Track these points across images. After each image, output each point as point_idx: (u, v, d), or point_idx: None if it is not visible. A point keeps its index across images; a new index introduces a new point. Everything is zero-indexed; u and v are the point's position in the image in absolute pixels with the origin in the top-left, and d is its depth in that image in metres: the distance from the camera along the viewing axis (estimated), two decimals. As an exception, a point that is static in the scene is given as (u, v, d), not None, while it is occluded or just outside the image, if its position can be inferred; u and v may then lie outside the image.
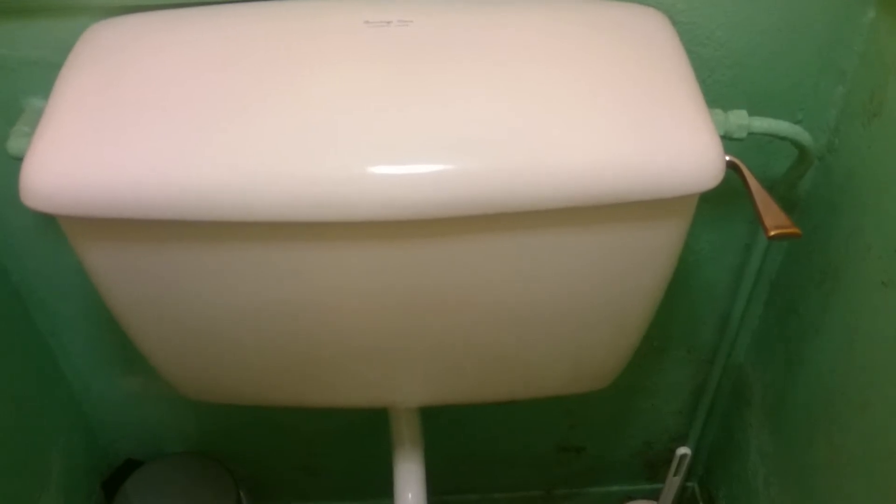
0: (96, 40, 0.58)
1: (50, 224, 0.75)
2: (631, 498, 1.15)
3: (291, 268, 0.57)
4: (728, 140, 0.64)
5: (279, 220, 0.51)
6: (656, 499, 1.02)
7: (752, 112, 0.65)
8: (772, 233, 0.60)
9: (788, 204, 0.77)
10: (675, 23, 0.62)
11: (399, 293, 0.59)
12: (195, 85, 0.54)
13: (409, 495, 0.76)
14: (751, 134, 0.65)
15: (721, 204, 0.79)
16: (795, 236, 0.61)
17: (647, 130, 0.52)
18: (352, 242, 0.55)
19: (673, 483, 0.95)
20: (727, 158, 0.56)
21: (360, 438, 1.04)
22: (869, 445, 0.69)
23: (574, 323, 0.64)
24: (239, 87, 0.54)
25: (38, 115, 0.55)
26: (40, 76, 0.64)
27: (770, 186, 0.71)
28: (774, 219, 0.60)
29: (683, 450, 0.90)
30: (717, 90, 0.69)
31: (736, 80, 0.68)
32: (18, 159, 0.54)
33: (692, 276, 0.86)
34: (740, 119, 0.64)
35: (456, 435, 1.05)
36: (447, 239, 0.55)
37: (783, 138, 0.67)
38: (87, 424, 0.99)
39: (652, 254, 0.59)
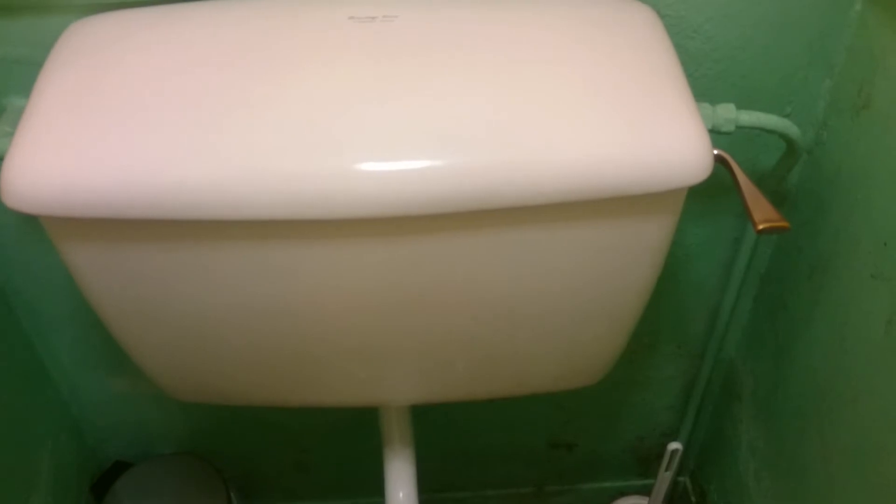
0: (78, 38, 0.58)
1: (35, 223, 0.74)
2: (623, 493, 1.15)
3: (280, 266, 0.56)
4: (716, 134, 0.64)
5: (266, 218, 0.51)
6: (648, 494, 1.02)
7: (740, 106, 0.65)
8: (760, 226, 0.60)
9: (777, 198, 0.77)
10: (663, 16, 0.62)
11: (389, 291, 0.59)
12: (178, 83, 0.54)
13: (401, 494, 0.76)
14: (739, 128, 0.65)
15: (709, 198, 0.79)
16: (784, 230, 0.60)
17: (634, 125, 0.52)
18: (341, 240, 0.55)
19: (664, 478, 0.95)
20: (715, 152, 0.56)
21: (350, 436, 1.04)
22: (859, 438, 0.69)
23: (564, 319, 0.64)
24: (224, 85, 0.54)
25: (19, 114, 0.54)
26: (21, 75, 0.63)
27: (758, 180, 0.71)
28: (763, 212, 0.60)
29: (675, 445, 0.90)
30: (704, 84, 0.69)
31: (724, 74, 0.68)
32: (-1, 159, 0.54)
33: (681, 271, 0.86)
34: (728, 113, 0.64)
35: (447, 432, 1.05)
36: (437, 236, 0.55)
37: (771, 132, 0.66)
38: (76, 426, 0.98)
39: (641, 249, 0.58)
